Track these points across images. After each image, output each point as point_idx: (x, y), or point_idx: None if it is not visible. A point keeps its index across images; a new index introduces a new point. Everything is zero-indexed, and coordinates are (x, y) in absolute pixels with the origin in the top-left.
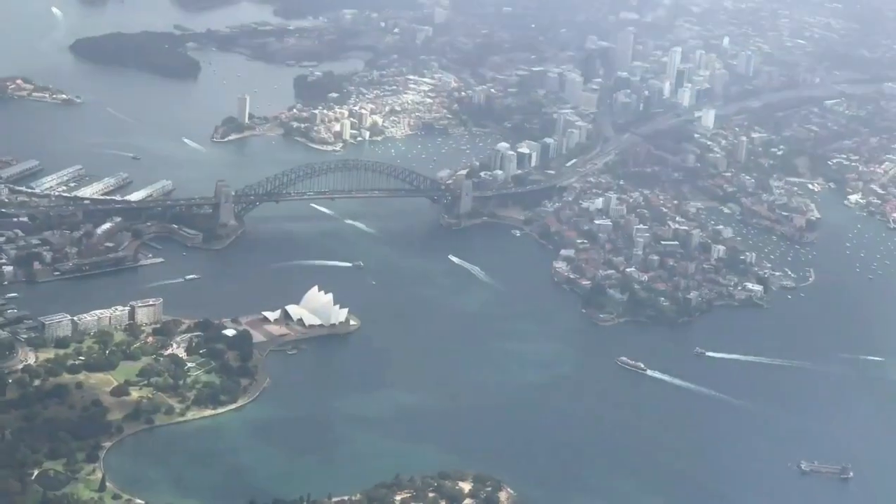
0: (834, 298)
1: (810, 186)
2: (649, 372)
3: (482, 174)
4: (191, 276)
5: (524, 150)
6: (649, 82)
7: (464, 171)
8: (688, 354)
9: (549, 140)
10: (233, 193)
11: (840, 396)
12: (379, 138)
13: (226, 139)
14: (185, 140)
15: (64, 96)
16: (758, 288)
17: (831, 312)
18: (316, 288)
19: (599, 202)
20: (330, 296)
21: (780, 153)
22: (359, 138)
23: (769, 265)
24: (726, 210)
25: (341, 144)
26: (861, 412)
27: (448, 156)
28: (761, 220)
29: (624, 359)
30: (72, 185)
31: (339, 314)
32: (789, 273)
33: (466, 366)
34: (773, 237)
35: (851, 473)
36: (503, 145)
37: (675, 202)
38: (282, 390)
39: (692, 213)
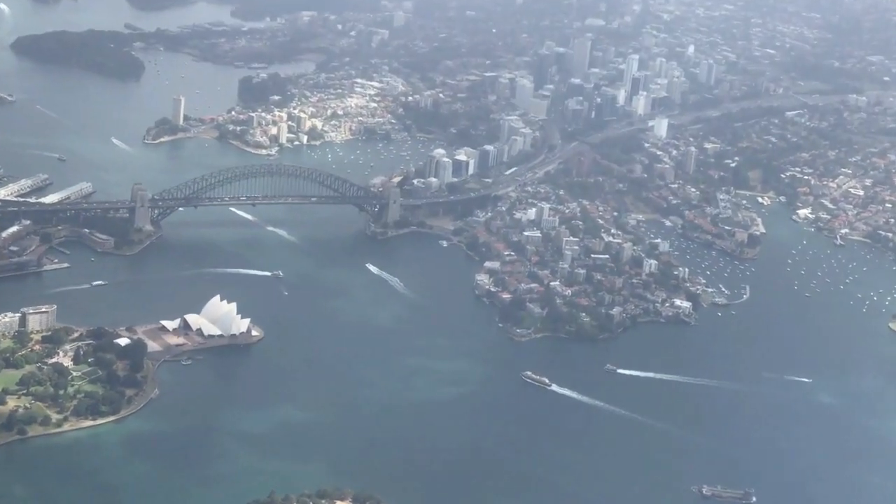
0: (766, 316)
1: (760, 200)
2: (554, 387)
3: (415, 182)
4: (97, 283)
5: (461, 157)
6: (602, 90)
7: (397, 178)
8: (598, 371)
9: (488, 147)
10: (149, 197)
11: (756, 417)
12: (317, 143)
13: (157, 141)
14: (115, 141)
15: None
16: (686, 305)
17: (761, 331)
18: (217, 297)
19: (532, 213)
20: (232, 305)
21: (732, 165)
22: (296, 142)
23: (703, 281)
24: (668, 223)
25: (277, 148)
26: (776, 434)
27: (387, 162)
28: (703, 234)
29: (529, 373)
30: None
31: (241, 324)
32: (723, 290)
33: (368, 382)
34: (712, 252)
35: (754, 499)
36: (439, 152)
37: (615, 214)
38: (168, 403)
39: (630, 226)
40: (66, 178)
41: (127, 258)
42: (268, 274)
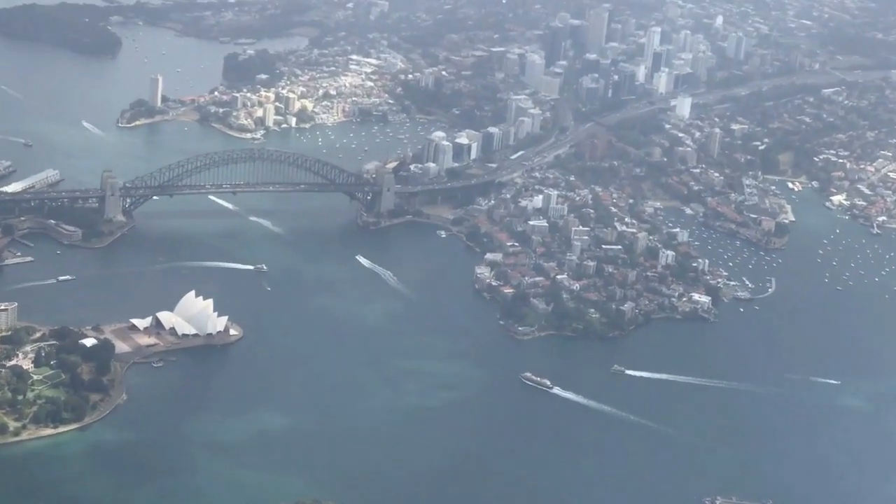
0: (793, 312)
1: (790, 185)
2: (555, 390)
3: (412, 167)
4: (64, 278)
5: (462, 140)
6: (620, 66)
7: (392, 164)
8: (605, 372)
9: (493, 129)
10: (120, 185)
11: (777, 423)
12: (307, 125)
13: (132, 124)
14: (86, 125)
15: None
16: (705, 299)
17: (787, 328)
18: (192, 293)
19: (539, 200)
20: (208, 302)
21: (761, 147)
22: (284, 125)
23: (725, 274)
24: (689, 211)
25: (263, 132)
26: (798, 441)
27: (382, 146)
28: (726, 222)
29: (529, 375)
30: None
31: (218, 323)
32: (746, 283)
33: (355, 386)
34: (736, 242)
35: None
36: (438, 134)
37: (631, 201)
38: (137, 408)
39: (647, 215)
40: (32, 164)
41: (96, 251)
42: (250, 268)
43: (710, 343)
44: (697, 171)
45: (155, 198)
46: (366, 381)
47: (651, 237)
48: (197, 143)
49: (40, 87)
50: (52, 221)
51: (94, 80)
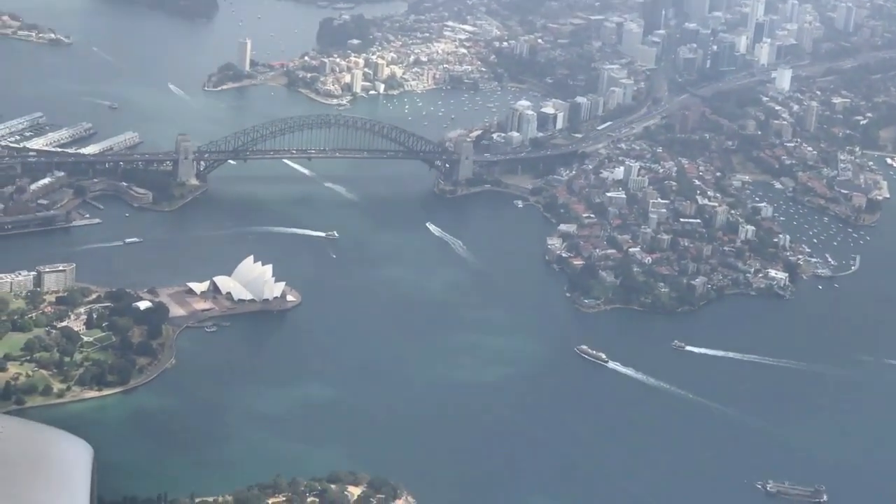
0: (874, 291)
1: (889, 161)
2: (610, 364)
3: (495, 136)
4: (131, 240)
5: (548, 109)
6: (719, 36)
7: (475, 133)
8: (664, 348)
9: (580, 99)
10: (195, 149)
11: (841, 406)
12: (395, 92)
13: (218, 88)
14: (172, 87)
15: (52, 36)
16: (782, 276)
17: (865, 307)
18: (251, 258)
19: (620, 172)
20: (267, 268)
21: (863, 122)
22: (371, 92)
23: (807, 250)
24: (778, 185)
25: (350, 98)
26: (862, 426)
27: (470, 115)
28: (815, 197)
29: (585, 348)
30: (27, 134)
31: (275, 289)
32: (829, 260)
33: (408, 359)
34: (824, 218)
35: (825, 497)
36: (523, 104)
37: (718, 174)
38: (183, 374)
39: (733, 188)
40: (114, 127)
41: (165, 214)
42: (322, 234)
43: (781, 321)
44: (791, 145)
45: (232, 162)
46: (420, 354)
47: (733, 211)
48: (281, 108)
49: (132, 50)
50: (125, 184)
51: (187, 43)
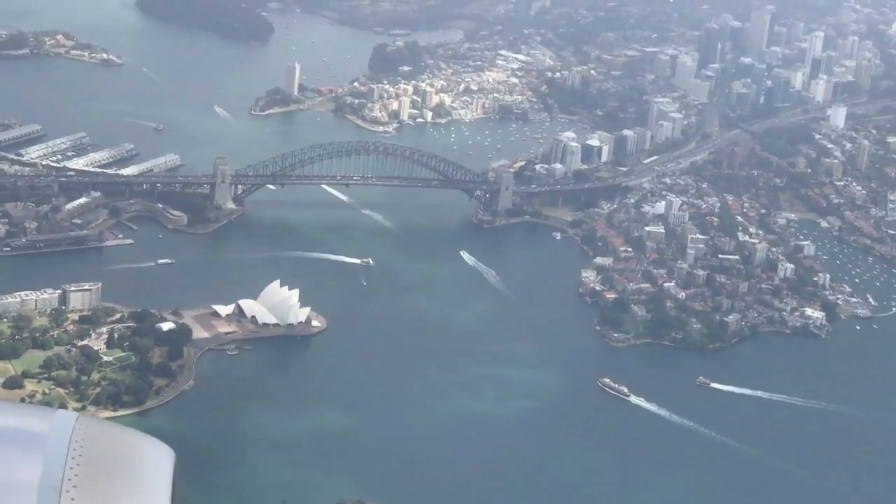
0: None
1: None
2: (632, 398)
3: (537, 167)
4: (163, 261)
5: (593, 142)
6: (774, 71)
7: (519, 164)
8: (689, 383)
9: (627, 132)
10: (232, 173)
11: (875, 451)
12: (443, 120)
13: (265, 112)
14: (218, 110)
15: (104, 56)
16: (819, 315)
17: None
18: (277, 282)
19: (661, 206)
20: (293, 292)
21: None
22: (419, 119)
23: (848, 290)
24: (824, 224)
25: (396, 125)
26: (890, 471)
27: (516, 145)
28: (861, 237)
29: (607, 381)
30: (70, 154)
31: (300, 314)
32: (870, 300)
33: (430, 390)
34: (868, 258)
35: None
36: (567, 135)
37: (763, 212)
38: (201, 396)
39: (777, 226)
40: (156, 148)
41: (199, 236)
42: (357, 261)
43: (814, 360)
44: (841, 183)
45: (270, 187)
46: (442, 385)
47: (773, 249)
48: (326, 133)
49: (181, 72)
50: (160, 206)
51: (238, 66)
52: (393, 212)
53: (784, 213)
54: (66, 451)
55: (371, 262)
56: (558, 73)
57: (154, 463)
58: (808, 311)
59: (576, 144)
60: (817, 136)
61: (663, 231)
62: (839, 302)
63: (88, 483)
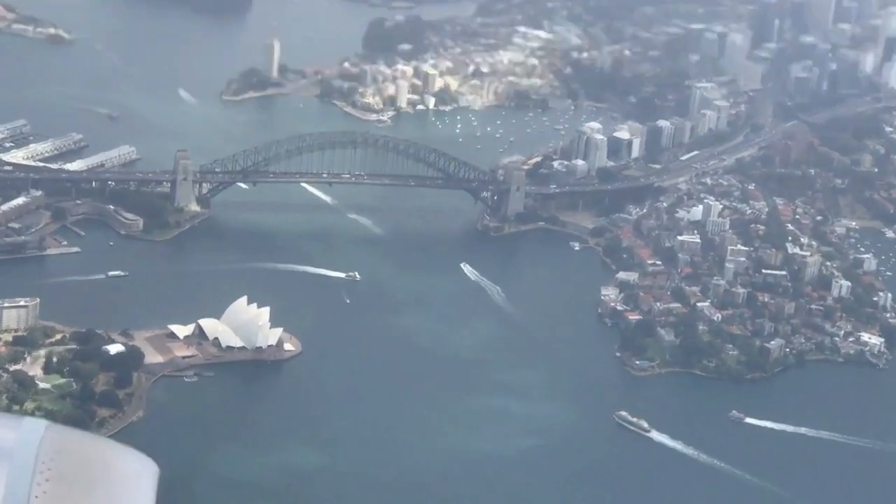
0: None
1: None
2: (652, 434)
3: (555, 164)
4: (114, 273)
5: (622, 134)
6: (840, 52)
7: (534, 160)
8: (720, 418)
9: (662, 123)
10: (196, 169)
11: None
12: (448, 108)
13: (238, 98)
14: (183, 94)
15: (52, 31)
16: (877, 341)
17: None
18: (244, 299)
19: (698, 212)
20: (263, 311)
21: None
22: (419, 107)
23: None
24: (890, 234)
25: (392, 113)
26: None
27: (533, 137)
28: None
29: (624, 414)
30: (6, 145)
31: (270, 335)
32: None
33: (421, 426)
34: None
35: None
36: (592, 126)
37: (819, 218)
38: (152, 429)
39: (835, 235)
40: (110, 140)
41: (156, 244)
42: (340, 275)
43: (869, 393)
44: None
45: (242, 185)
46: (433, 420)
47: (828, 263)
48: (310, 122)
49: (142, 50)
50: (112, 207)
51: (209, 43)
52: (384, 216)
53: (844, 221)
54: (34, 463)
55: (357, 275)
56: (586, 54)
57: (134, 478)
58: (865, 337)
59: (601, 137)
60: (888, 130)
61: (699, 241)
62: None
63: (58, 500)
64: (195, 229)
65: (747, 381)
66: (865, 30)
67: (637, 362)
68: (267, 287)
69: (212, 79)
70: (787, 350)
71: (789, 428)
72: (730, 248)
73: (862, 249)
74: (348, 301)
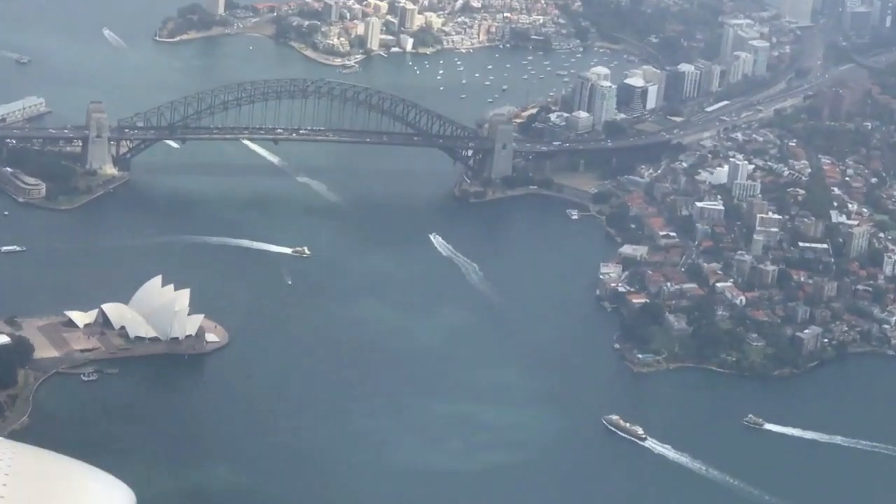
0: None
1: None
2: (649, 442)
3: (552, 117)
4: (8, 249)
5: (635, 80)
6: None
7: (529, 111)
8: (734, 423)
9: (684, 67)
10: (113, 125)
11: None
12: (429, 51)
13: (175, 39)
14: (108, 35)
15: None
16: None
17: None
18: (159, 279)
19: (723, 172)
20: (182, 293)
21: None
22: (394, 49)
23: None
24: None
25: (360, 57)
26: None
27: (530, 85)
28: None
29: (615, 419)
30: None
31: (188, 324)
32: None
33: (367, 438)
34: None
35: None
36: (599, 71)
37: (874, 181)
38: (37, 438)
39: (893, 200)
40: (15, 89)
41: (61, 214)
42: (287, 251)
43: None
44: None
45: (173, 144)
46: (385, 432)
47: (882, 234)
48: (259, 68)
49: None
50: (9, 170)
51: None
52: (342, 180)
53: None
54: None
55: (306, 251)
56: None
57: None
58: None
59: (609, 84)
60: None
61: (722, 208)
62: None
63: None
64: (109, 196)
65: (774, 379)
66: None
67: (639, 356)
68: (191, 266)
69: (145, 16)
70: (826, 340)
71: (816, 436)
72: (759, 216)
73: None
74: (290, 282)
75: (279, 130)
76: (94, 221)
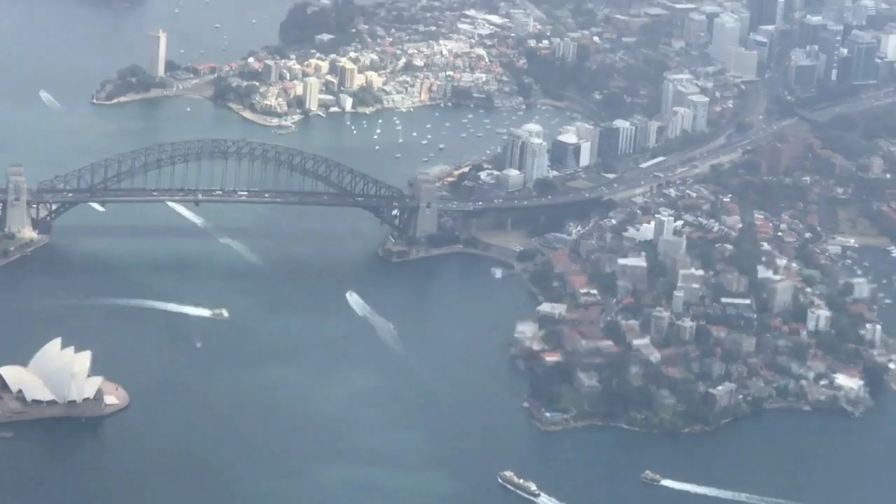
0: None
1: None
2: (541, 499)
3: (482, 175)
4: None
5: (568, 137)
6: (853, 34)
7: (462, 169)
8: (632, 479)
9: (619, 124)
10: (29, 188)
11: None
12: (369, 110)
13: (113, 101)
14: (44, 97)
15: None
16: (855, 385)
17: None
18: (58, 341)
19: (650, 229)
20: (82, 356)
21: None
22: (333, 108)
23: None
24: None
25: (298, 117)
26: None
27: (469, 144)
28: None
29: (508, 475)
30: None
31: (86, 386)
32: None
33: (264, 499)
34: None
35: None
36: (530, 128)
37: (808, 235)
38: None
39: (826, 256)
40: None
41: None
42: (206, 313)
43: (836, 449)
44: None
45: (98, 207)
46: (281, 495)
47: (808, 289)
48: (194, 129)
49: (7, 45)
50: None
51: (93, 37)
52: (264, 241)
53: (840, 238)
54: None
55: (225, 313)
56: (545, 42)
57: None
58: (841, 379)
59: (540, 142)
60: None
61: (645, 265)
62: (890, 366)
63: None
64: (27, 259)
65: (683, 436)
66: (891, 4)
67: (547, 414)
68: (100, 328)
69: (84, 79)
70: (741, 397)
71: (721, 492)
72: (682, 272)
73: (859, 272)
74: (199, 345)
75: (199, 193)
76: (7, 284)
